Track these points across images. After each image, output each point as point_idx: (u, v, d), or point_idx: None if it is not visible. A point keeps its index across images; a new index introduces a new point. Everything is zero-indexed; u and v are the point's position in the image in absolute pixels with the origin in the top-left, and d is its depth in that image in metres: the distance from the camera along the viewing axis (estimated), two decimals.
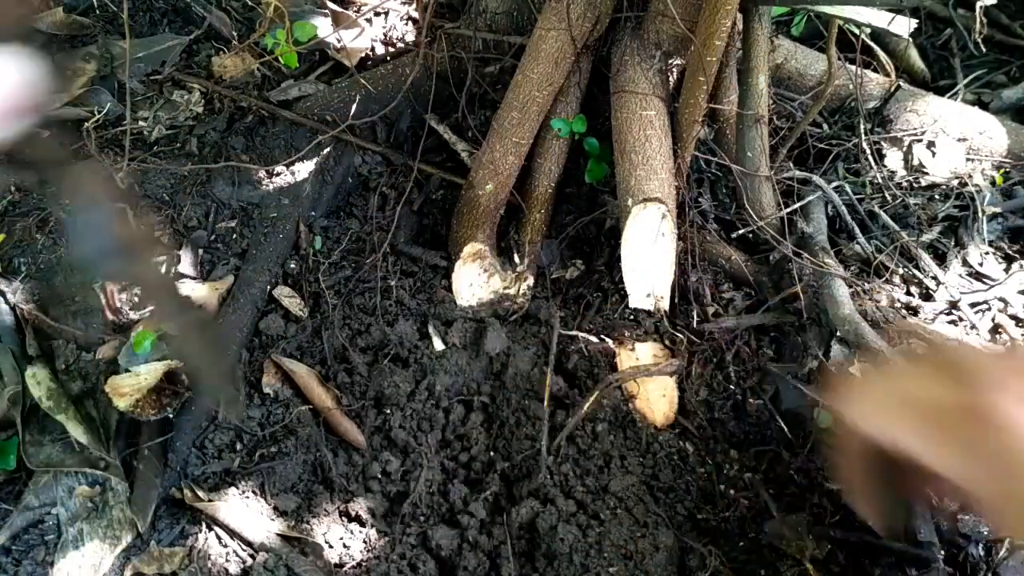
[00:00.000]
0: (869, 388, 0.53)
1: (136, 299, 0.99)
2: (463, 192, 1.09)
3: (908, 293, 1.09)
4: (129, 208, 0.63)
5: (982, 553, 0.90)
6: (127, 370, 0.92)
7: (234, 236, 1.10)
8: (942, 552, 0.86)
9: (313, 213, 1.15)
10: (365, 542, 0.89)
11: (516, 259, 1.09)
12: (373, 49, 1.32)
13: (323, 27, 1.25)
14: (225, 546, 0.88)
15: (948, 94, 1.32)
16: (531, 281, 1.08)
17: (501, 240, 1.13)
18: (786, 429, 0.97)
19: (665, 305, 0.96)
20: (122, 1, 1.19)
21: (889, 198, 1.18)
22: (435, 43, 1.13)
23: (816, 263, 0.98)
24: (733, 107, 1.03)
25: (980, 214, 1.15)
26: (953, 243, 1.15)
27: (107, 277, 0.96)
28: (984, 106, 1.34)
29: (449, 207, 1.16)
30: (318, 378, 0.99)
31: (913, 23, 1.06)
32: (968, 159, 1.24)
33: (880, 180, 1.20)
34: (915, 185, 1.22)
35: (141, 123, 1.17)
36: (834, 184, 1.13)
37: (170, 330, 0.87)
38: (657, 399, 0.98)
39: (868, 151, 1.21)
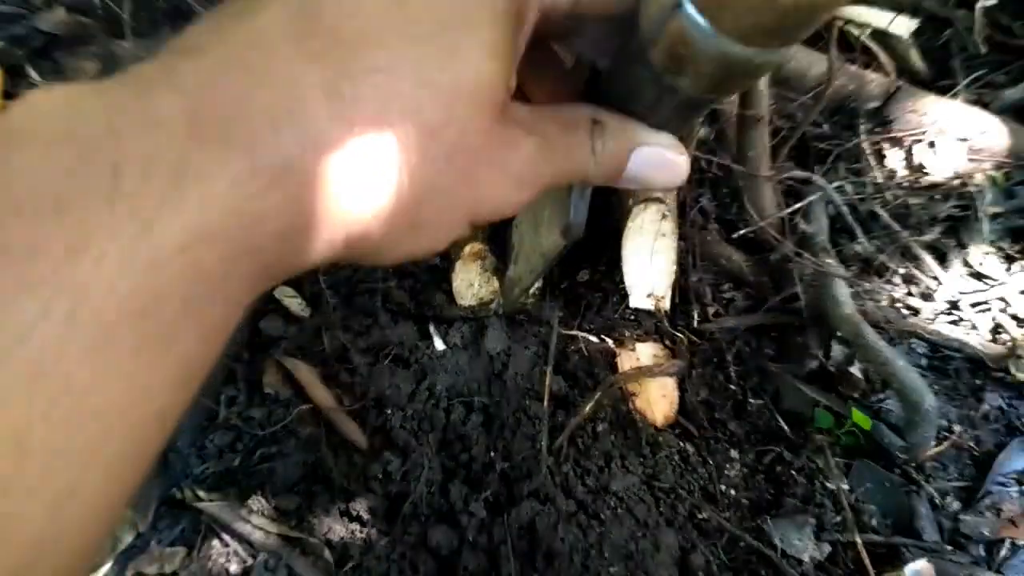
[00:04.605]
0: None
1: None
2: None
3: (909, 293, 1.09)
4: None
5: (983, 553, 0.90)
6: None
7: None
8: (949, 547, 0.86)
9: None
10: (365, 542, 0.89)
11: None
12: None
13: None
14: (226, 546, 0.88)
15: (949, 94, 1.32)
16: (539, 283, 1.07)
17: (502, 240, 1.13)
18: (787, 429, 0.97)
19: (666, 305, 0.96)
20: (123, 1, 1.19)
21: (890, 198, 1.18)
22: None
23: (817, 263, 0.98)
24: (733, 107, 1.04)
25: (981, 214, 1.15)
26: (954, 243, 1.15)
27: None
28: (985, 106, 1.34)
29: None
30: (319, 378, 0.99)
31: (914, 23, 1.06)
32: (969, 159, 1.24)
33: (881, 180, 1.20)
34: (916, 185, 1.22)
35: None
36: (835, 184, 1.14)
37: None
38: (657, 399, 0.97)
39: (869, 151, 1.21)
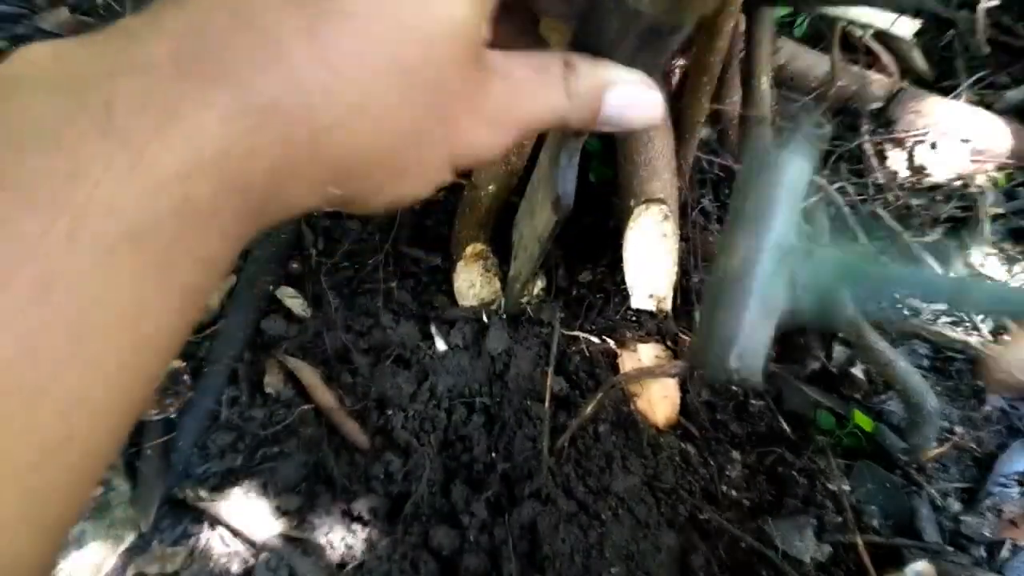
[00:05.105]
0: None
1: None
2: (465, 193, 1.09)
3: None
4: None
5: (984, 554, 0.90)
6: None
7: None
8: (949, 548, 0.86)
9: (315, 213, 1.15)
10: (367, 542, 0.89)
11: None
12: None
13: None
14: (227, 545, 0.88)
15: (951, 95, 1.32)
16: (542, 283, 1.08)
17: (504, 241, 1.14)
18: (788, 430, 0.97)
19: (667, 306, 0.96)
20: (125, 1, 1.19)
21: (892, 199, 1.18)
22: None
23: None
24: (736, 108, 1.04)
25: (983, 215, 1.15)
26: (956, 244, 1.15)
27: None
28: (987, 107, 1.34)
29: (451, 208, 1.16)
30: (321, 378, 0.99)
31: (916, 24, 1.05)
32: (971, 160, 1.24)
33: (883, 181, 1.20)
34: (918, 186, 1.22)
35: None
36: (836, 185, 1.14)
37: None
38: (659, 400, 0.97)
39: (871, 152, 1.21)
